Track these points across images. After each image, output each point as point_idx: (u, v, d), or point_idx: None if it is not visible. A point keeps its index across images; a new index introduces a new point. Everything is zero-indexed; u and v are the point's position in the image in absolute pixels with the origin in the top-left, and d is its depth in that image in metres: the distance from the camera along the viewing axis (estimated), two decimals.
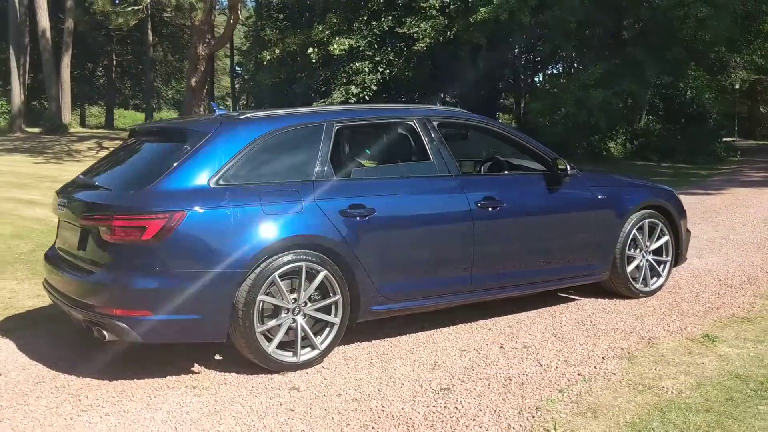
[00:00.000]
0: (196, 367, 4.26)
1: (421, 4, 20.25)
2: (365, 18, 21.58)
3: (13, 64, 27.26)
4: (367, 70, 20.64)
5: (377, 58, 20.80)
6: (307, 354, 4.22)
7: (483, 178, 5.33)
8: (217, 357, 4.44)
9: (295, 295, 4.17)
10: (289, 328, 4.18)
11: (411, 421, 3.53)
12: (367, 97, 20.53)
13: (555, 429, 3.49)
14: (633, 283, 5.71)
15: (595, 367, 4.30)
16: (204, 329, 3.97)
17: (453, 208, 4.75)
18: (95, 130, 30.29)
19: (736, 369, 4.28)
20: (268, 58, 21.68)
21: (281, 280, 4.10)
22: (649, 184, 6.22)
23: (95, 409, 3.66)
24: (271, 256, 4.05)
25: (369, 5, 21.60)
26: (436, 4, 20.17)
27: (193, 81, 22.77)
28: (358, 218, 4.34)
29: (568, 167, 5.19)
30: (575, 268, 5.41)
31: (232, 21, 21.04)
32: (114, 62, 38.16)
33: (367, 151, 6.07)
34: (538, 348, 4.63)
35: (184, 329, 3.95)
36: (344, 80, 20.63)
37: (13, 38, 27.59)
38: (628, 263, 5.68)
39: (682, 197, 6.55)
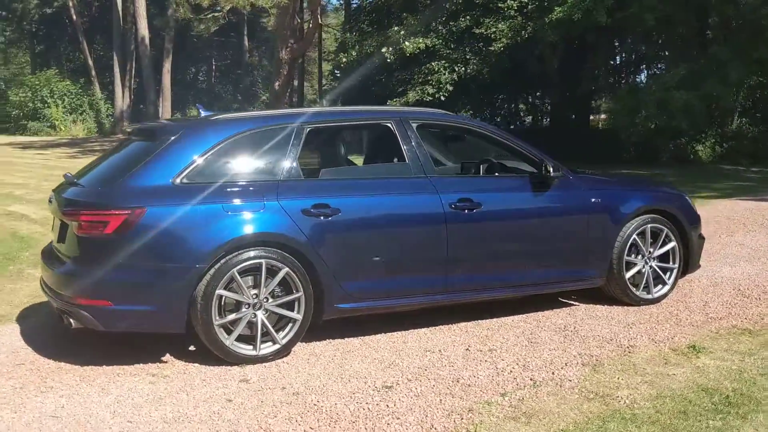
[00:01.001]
0: (167, 357, 4.48)
1: (499, 5, 20.04)
2: (444, 18, 21.57)
3: (117, 69, 29.01)
4: (443, 69, 20.61)
5: (454, 56, 20.73)
6: (267, 348, 4.36)
7: (460, 180, 5.30)
8: (191, 348, 4.64)
9: (256, 291, 4.31)
10: (251, 323, 4.33)
11: (337, 416, 3.62)
12: (443, 98, 20.49)
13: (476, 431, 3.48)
14: (632, 290, 5.54)
15: (552, 373, 4.24)
16: (162, 320, 4.19)
17: (424, 209, 4.77)
18: None
19: (708, 382, 4.12)
20: (344, 60, 22.03)
21: (242, 276, 4.27)
22: (653, 189, 6.02)
23: (54, 390, 3.94)
24: (230, 252, 4.21)
25: (447, 6, 21.56)
26: (515, 5, 19.91)
27: (276, 85, 23.45)
28: (321, 218, 4.45)
29: (550, 169, 5.09)
30: (565, 272, 5.31)
31: (312, 25, 21.51)
32: (213, 67, 39.74)
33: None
34: (503, 351, 4.59)
35: (142, 319, 4.18)
36: (420, 80, 20.68)
37: (117, 46, 29.32)
38: (628, 269, 5.52)
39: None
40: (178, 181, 4.26)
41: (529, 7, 19.61)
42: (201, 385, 4.02)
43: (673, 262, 5.70)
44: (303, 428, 3.48)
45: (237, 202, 4.30)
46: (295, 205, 4.41)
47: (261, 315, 4.34)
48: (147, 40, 28.40)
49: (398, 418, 3.60)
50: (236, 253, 4.23)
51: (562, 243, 5.25)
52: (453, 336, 4.92)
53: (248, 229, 4.28)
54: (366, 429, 3.49)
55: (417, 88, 20.54)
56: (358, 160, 5.65)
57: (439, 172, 5.15)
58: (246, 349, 4.32)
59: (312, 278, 4.45)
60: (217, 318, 4.22)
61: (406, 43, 19.67)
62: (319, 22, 21.13)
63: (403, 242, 4.74)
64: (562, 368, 4.31)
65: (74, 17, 33.29)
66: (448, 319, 5.21)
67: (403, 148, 4.87)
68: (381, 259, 4.68)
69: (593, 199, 5.32)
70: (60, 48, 40.89)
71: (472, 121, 5.60)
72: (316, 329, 4.72)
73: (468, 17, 20.85)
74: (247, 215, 4.30)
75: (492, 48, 19.38)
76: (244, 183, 4.42)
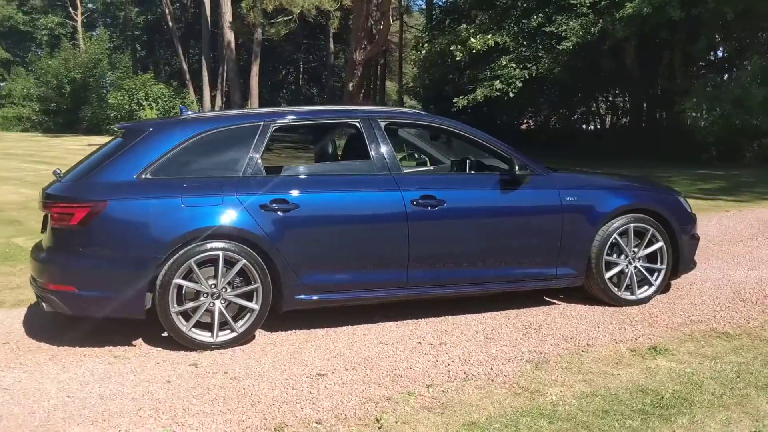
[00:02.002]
0: (137, 342, 4.79)
1: (572, 1, 19.72)
2: (517, 15, 21.40)
3: (205, 73, 30.30)
4: (513, 65, 20.45)
5: (525, 54, 20.53)
6: (225, 336, 4.61)
7: (425, 177, 5.36)
8: (164, 334, 4.93)
9: (214, 281, 4.56)
10: (210, 311, 4.58)
11: (258, 400, 3.81)
12: (512, 94, 20.35)
13: (382, 419, 3.60)
14: (613, 290, 5.46)
15: (491, 368, 4.28)
16: (123, 306, 4.50)
17: (384, 205, 4.89)
18: None
19: (650, 383, 4.08)
20: (413, 58, 22.24)
21: (202, 267, 4.53)
22: (638, 188, 5.88)
23: (21, 367, 4.32)
24: (187, 244, 4.48)
25: (520, 3, 21.39)
26: (587, 1, 19.55)
27: (350, 85, 23.91)
28: (279, 212, 4.66)
29: (516, 167, 5.10)
30: (535, 270, 5.30)
31: (383, 26, 21.81)
32: (301, 69, 40.78)
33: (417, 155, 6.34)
34: (453, 346, 4.66)
35: (104, 304, 4.51)
36: (489, 77, 20.59)
37: (206, 50, 30.62)
38: (608, 269, 5.45)
39: None
40: (141, 176, 4.56)
41: (602, 3, 19.20)
42: (152, 368, 4.31)
43: (661, 263, 5.59)
44: (221, 409, 3.69)
45: (196, 196, 4.57)
46: (254, 200, 4.63)
47: (219, 304, 4.58)
48: (232, 45, 29.53)
49: (314, 404, 3.76)
50: (193, 245, 4.49)
51: (531, 241, 5.25)
52: (415, 330, 5.01)
53: (205, 223, 4.53)
54: (279, 411, 3.67)
55: (486, 84, 20.46)
56: (312, 158, 5.81)
57: (412, 170, 5.24)
58: (204, 336, 4.58)
59: (270, 270, 4.66)
60: (175, 306, 4.49)
61: (472, 40, 19.65)
62: (390, 23, 21.37)
63: (363, 237, 4.88)
64: (503, 364, 4.35)
65: (170, 23, 34.95)
66: (420, 313, 5.31)
67: (369, 146, 5.01)
68: (340, 254, 4.84)
69: (568, 198, 5.28)
70: (158, 53, 43.00)
71: (444, 120, 5.64)
72: (292, 319, 5.01)
73: (540, 15, 20.62)
74: (205, 209, 4.56)
75: (561, 46, 19.08)
76: (205, 179, 4.68)
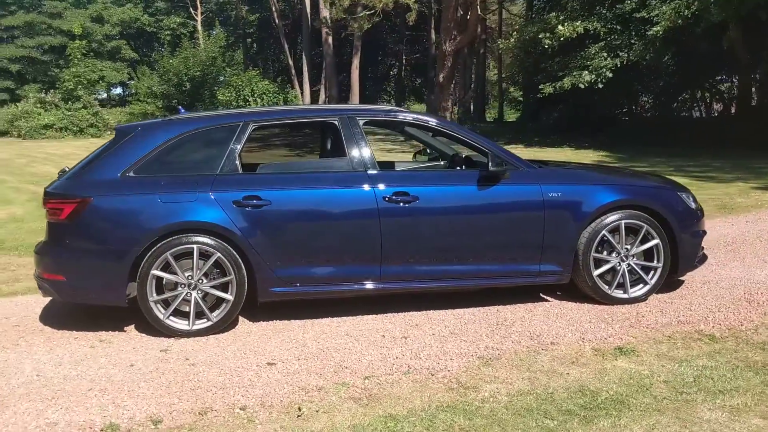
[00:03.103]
0: (129, 327, 5.15)
1: None
2: (609, 0, 20.70)
3: (305, 69, 31.16)
4: (605, 54, 19.80)
5: (617, 41, 19.82)
6: (201, 324, 4.90)
7: (399, 174, 5.41)
8: None
9: (191, 273, 4.86)
10: (187, 301, 4.89)
11: (199, 384, 4.06)
12: (601, 84, 19.73)
13: (304, 408, 3.76)
14: (603, 288, 5.35)
15: (437, 363, 4.35)
16: (105, 294, 4.88)
17: (357, 201, 5.01)
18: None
19: (595, 384, 4.03)
20: (501, 47, 21.96)
21: (179, 259, 4.83)
22: (632, 184, 5.67)
23: (16, 348, 4.78)
24: (164, 238, 4.79)
25: None
26: None
27: (440, 77, 23.96)
28: (251, 208, 4.88)
29: (489, 164, 5.08)
30: (518, 267, 5.26)
31: (470, 17, 21.66)
32: (404, 61, 41.07)
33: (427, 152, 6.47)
34: (413, 340, 4.74)
35: (90, 293, 4.91)
36: (578, 66, 20.04)
37: (306, 46, 31.48)
38: (598, 267, 5.34)
39: None
40: (126, 174, 4.91)
41: None
42: (126, 352, 4.65)
43: (657, 261, 5.40)
44: (161, 392, 3.96)
45: (172, 193, 4.86)
46: (227, 196, 4.88)
47: (195, 294, 4.87)
48: (330, 40, 30.21)
49: (247, 391, 3.97)
50: (170, 239, 4.80)
51: (510, 238, 5.21)
52: (388, 323, 5.12)
53: (180, 218, 4.83)
54: (212, 397, 3.90)
55: (575, 72, 19.92)
56: (291, 156, 5.97)
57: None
58: (181, 324, 4.89)
59: (245, 263, 4.91)
60: (154, 295, 4.82)
61: (560, 27, 19.19)
62: (479, 12, 21.20)
63: (335, 233, 5.02)
64: (452, 359, 4.39)
65: (276, 21, 36.14)
66: (401, 307, 5.41)
67: (345, 143, 5.15)
68: (313, 249, 5.01)
69: (551, 194, 5.20)
70: (268, 50, 44.58)
71: (423, 116, 5.66)
72: (277, 310, 5.31)
73: (634, 0, 19.86)
74: (180, 205, 4.85)
75: (651, 32, 18.31)
76: (182, 176, 4.98)
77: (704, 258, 5.81)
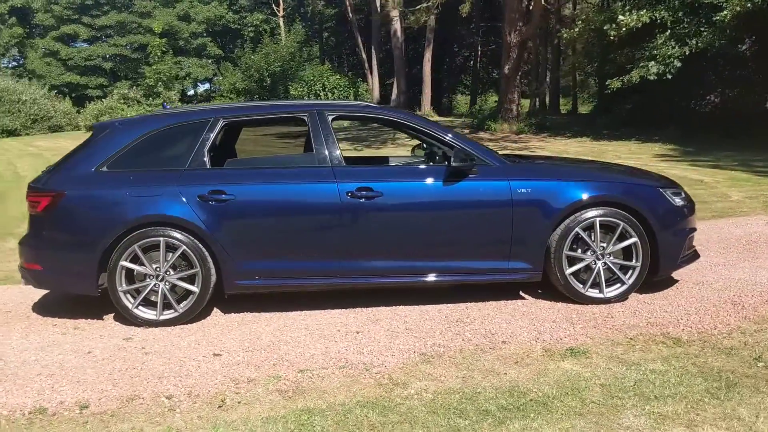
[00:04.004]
0: (107, 316, 5.37)
1: None
2: None
3: (374, 62, 31.27)
4: (672, 43, 18.99)
5: (685, 29, 18.97)
6: (168, 315, 5.07)
7: (365, 170, 5.38)
8: None
9: (158, 265, 5.03)
10: (156, 292, 5.06)
11: (140, 373, 4.21)
12: (669, 75, 18.94)
13: (228, 399, 3.85)
14: (577, 287, 5.21)
15: (375, 359, 4.36)
16: (78, 284, 5.10)
17: (320, 196, 5.05)
18: (439, 119, 32.58)
19: (527, 385, 3.96)
20: (566, 37, 21.40)
21: (148, 252, 5.02)
22: (610, 178, 5.46)
23: None
24: (132, 231, 4.98)
25: None
26: None
27: (506, 68, 23.58)
28: (215, 203, 5.00)
29: (450, 159, 5.01)
30: (485, 264, 5.18)
31: (533, 7, 21.23)
32: (479, 52, 40.63)
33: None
34: (365, 336, 4.75)
35: (64, 282, 5.15)
36: (645, 56, 19.29)
37: (376, 40, 31.60)
38: (571, 265, 5.20)
39: None
40: (99, 169, 5.12)
41: None
42: (92, 339, 4.87)
43: (636, 260, 5.22)
44: (100, 379, 4.14)
45: (140, 188, 5.04)
46: (193, 191, 5.02)
47: (163, 286, 5.04)
48: (399, 33, 30.21)
49: (180, 380, 4.09)
50: (137, 232, 4.98)
51: (476, 234, 5.13)
52: (351, 318, 5.14)
53: (147, 212, 4.99)
54: (144, 384, 4.05)
55: (641, 64, 19.21)
56: (259, 152, 6.02)
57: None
58: (149, 314, 5.07)
59: (212, 256, 5.04)
60: (123, 286, 5.02)
61: (621, 17, 18.54)
62: (542, 3, 20.72)
63: (299, 227, 5.08)
64: (393, 355, 4.39)
65: (350, 15, 36.41)
66: (369, 302, 5.43)
67: (312, 139, 5.20)
68: (277, 243, 5.09)
69: (520, 190, 5.10)
70: (343, 45, 45.02)
71: (391, 111, 5.63)
72: (252, 301, 5.47)
73: None
74: (147, 200, 5.02)
75: (718, 16, 17.45)
76: (151, 172, 5.14)
77: (693, 257, 5.57)
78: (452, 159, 5.02)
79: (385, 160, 6.51)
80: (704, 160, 15.63)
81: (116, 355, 4.53)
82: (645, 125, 22.97)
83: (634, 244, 5.18)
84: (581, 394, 3.81)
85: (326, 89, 33.44)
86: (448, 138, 5.26)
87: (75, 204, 5.06)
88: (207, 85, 59.96)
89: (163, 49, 35.87)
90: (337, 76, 34.44)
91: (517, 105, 24.67)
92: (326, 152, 5.16)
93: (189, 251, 5.00)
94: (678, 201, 5.34)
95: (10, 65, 56.13)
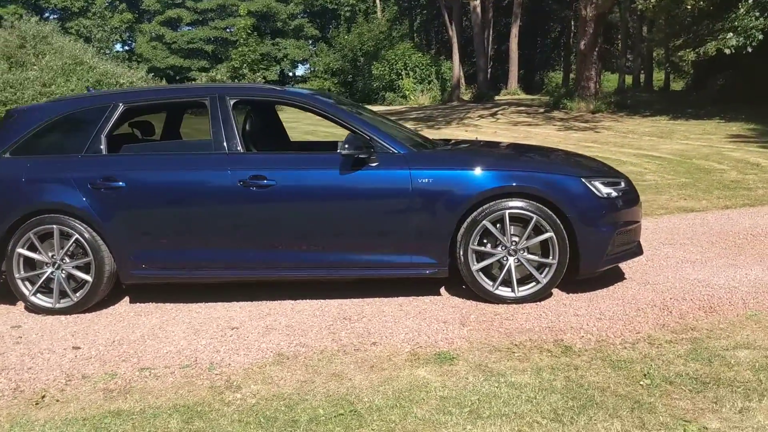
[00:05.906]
0: (18, 303, 5.39)
1: None
2: None
3: (455, 39, 30.58)
4: (757, 13, 17.45)
5: None
6: (64, 303, 5.03)
7: (261, 157, 5.03)
8: None
9: (54, 252, 4.99)
10: (52, 279, 5.03)
11: (35, 363, 4.16)
12: (750, 48, 17.44)
13: (48, 395, 3.74)
14: (486, 285, 4.79)
15: (225, 357, 4.15)
16: None
17: (212, 185, 4.83)
18: (523, 97, 31.54)
19: (357, 394, 3.65)
20: (640, 8, 20.06)
21: (45, 239, 4.98)
22: (526, 167, 4.93)
23: None
24: (27, 218, 4.95)
25: None
26: None
27: (582, 44, 22.47)
28: (106, 190, 4.90)
29: (345, 147, 4.64)
30: (386, 258, 4.82)
31: None
32: (572, 27, 39.07)
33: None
34: (239, 333, 4.53)
35: None
36: (726, 27, 17.82)
37: (456, 17, 30.88)
38: (480, 260, 4.77)
39: None
40: (2, 155, 5.11)
41: None
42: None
43: (552, 257, 4.73)
44: None
45: (36, 174, 5.00)
46: (85, 178, 4.92)
47: (59, 274, 5.00)
48: (478, 9, 29.37)
49: (23, 373, 4.02)
50: (32, 219, 4.95)
51: (373, 226, 4.77)
52: (241, 313, 4.90)
53: (40, 198, 4.95)
54: (34, 370, 4.03)
55: (719, 36, 17.77)
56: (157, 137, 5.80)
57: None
58: (47, 302, 5.04)
59: (106, 245, 4.95)
60: (21, 272, 5.01)
61: None
62: None
63: (192, 217, 4.88)
64: (246, 355, 4.16)
65: None
66: (279, 295, 5.19)
67: (211, 124, 4.98)
68: (170, 233, 4.92)
69: (422, 180, 4.70)
70: (431, 23, 44.38)
71: (298, 95, 5.28)
72: (180, 292, 5.33)
73: None
74: (42, 186, 4.97)
75: None
76: (48, 158, 5.09)
77: (631, 254, 5.00)
78: (344, 145, 4.68)
79: (322, 146, 6.20)
80: None
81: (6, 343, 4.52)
82: (735, 103, 21.33)
83: (550, 239, 4.69)
84: (410, 408, 3.45)
85: (408, 68, 33.10)
86: (349, 123, 4.92)
87: None
88: (306, 66, 60.80)
89: (248, 31, 36.52)
90: (419, 55, 34.00)
91: (596, 83, 23.45)
92: (223, 138, 4.93)
93: (82, 239, 4.92)
94: (606, 192, 4.78)
95: (124, 49, 59.01)
